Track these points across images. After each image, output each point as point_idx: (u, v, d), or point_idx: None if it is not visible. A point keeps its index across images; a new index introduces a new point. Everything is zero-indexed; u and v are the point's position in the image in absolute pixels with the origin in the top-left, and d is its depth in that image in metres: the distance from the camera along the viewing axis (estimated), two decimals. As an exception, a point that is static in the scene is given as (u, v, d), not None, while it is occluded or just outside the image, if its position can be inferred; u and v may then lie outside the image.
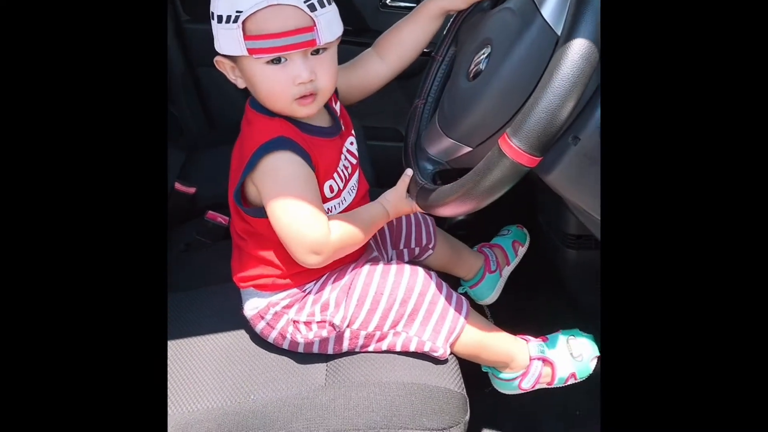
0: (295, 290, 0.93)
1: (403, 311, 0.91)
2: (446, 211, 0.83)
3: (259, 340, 0.97)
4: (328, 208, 0.91)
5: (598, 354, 1.04)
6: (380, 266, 0.93)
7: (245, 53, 0.80)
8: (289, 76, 0.82)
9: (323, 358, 0.94)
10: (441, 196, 0.82)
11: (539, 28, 0.77)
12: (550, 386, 1.03)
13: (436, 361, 0.93)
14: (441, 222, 1.24)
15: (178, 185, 1.33)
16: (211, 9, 0.82)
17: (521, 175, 0.72)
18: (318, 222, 0.83)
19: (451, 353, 0.95)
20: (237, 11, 0.79)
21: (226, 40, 0.82)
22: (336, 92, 0.96)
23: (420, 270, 0.93)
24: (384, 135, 1.80)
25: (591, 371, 1.03)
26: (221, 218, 1.22)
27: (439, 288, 0.93)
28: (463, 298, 0.96)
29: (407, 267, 0.93)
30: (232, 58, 0.85)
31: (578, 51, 0.65)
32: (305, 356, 0.95)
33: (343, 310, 0.91)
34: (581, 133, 0.74)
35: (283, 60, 0.82)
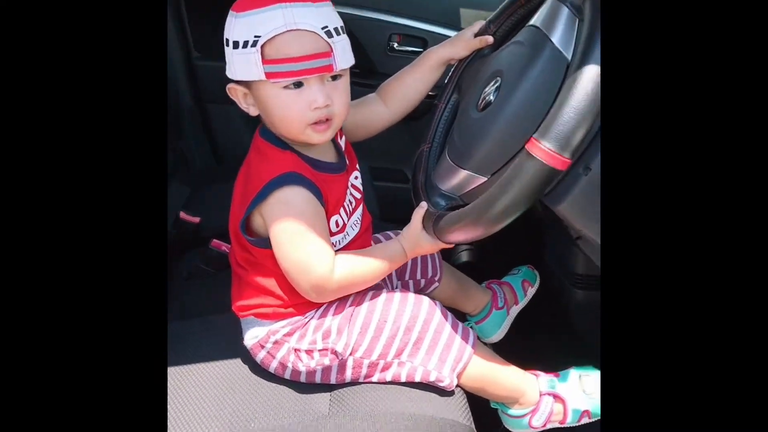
0: (296, 318, 0.91)
1: (408, 339, 0.89)
2: (467, 233, 0.79)
3: (261, 370, 0.94)
4: (332, 243, 0.89)
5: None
6: (384, 294, 0.91)
7: (263, 77, 0.81)
8: (305, 101, 0.82)
9: (326, 387, 0.91)
10: (461, 217, 0.79)
11: (550, 53, 0.79)
12: (562, 425, 0.99)
13: (443, 392, 0.90)
14: (446, 256, 1.23)
15: (183, 214, 1.32)
16: (225, 36, 0.83)
17: (553, 180, 0.71)
18: (323, 261, 0.83)
19: (458, 386, 0.92)
20: (255, 36, 0.79)
21: (243, 65, 0.82)
22: (341, 127, 0.97)
23: (425, 298, 0.91)
24: (391, 176, 1.81)
25: (604, 410, 1.00)
26: (225, 247, 1.20)
27: (445, 316, 0.91)
28: (469, 328, 0.93)
29: (411, 295, 0.91)
30: (246, 85, 0.85)
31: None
32: (308, 386, 0.92)
33: (346, 337, 0.88)
34: (592, 163, 0.73)
35: (301, 84, 0.82)
